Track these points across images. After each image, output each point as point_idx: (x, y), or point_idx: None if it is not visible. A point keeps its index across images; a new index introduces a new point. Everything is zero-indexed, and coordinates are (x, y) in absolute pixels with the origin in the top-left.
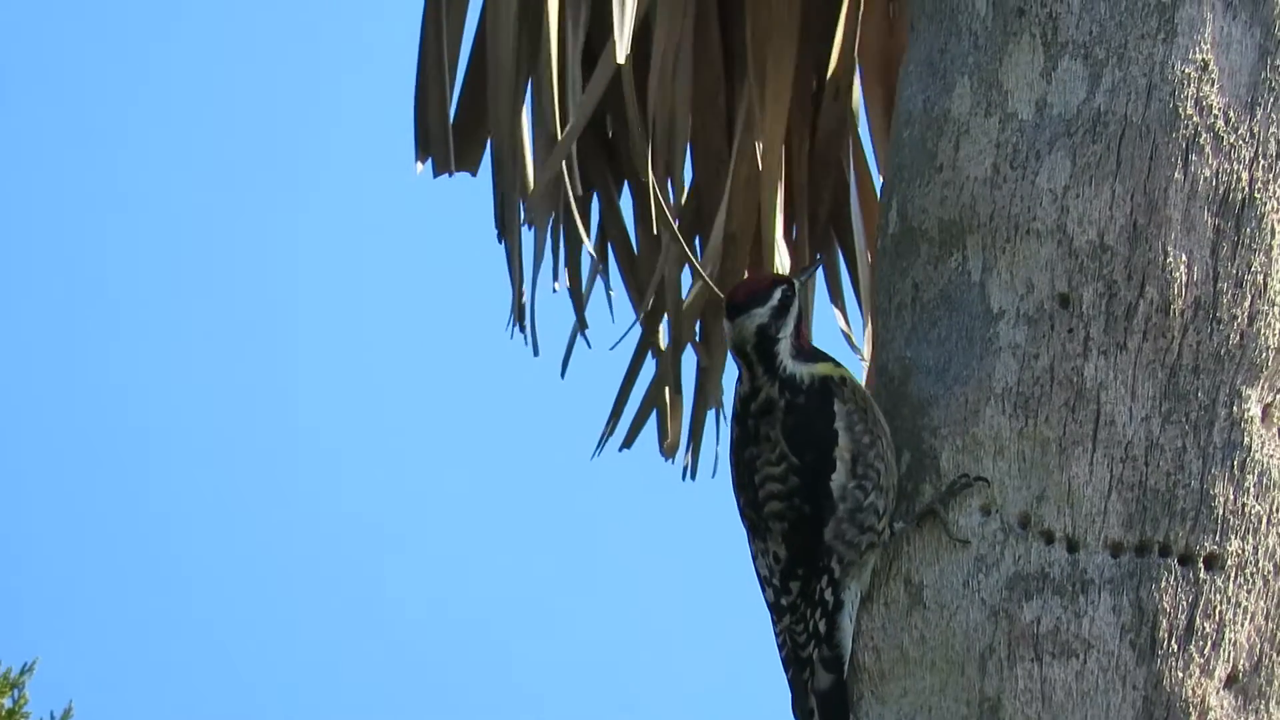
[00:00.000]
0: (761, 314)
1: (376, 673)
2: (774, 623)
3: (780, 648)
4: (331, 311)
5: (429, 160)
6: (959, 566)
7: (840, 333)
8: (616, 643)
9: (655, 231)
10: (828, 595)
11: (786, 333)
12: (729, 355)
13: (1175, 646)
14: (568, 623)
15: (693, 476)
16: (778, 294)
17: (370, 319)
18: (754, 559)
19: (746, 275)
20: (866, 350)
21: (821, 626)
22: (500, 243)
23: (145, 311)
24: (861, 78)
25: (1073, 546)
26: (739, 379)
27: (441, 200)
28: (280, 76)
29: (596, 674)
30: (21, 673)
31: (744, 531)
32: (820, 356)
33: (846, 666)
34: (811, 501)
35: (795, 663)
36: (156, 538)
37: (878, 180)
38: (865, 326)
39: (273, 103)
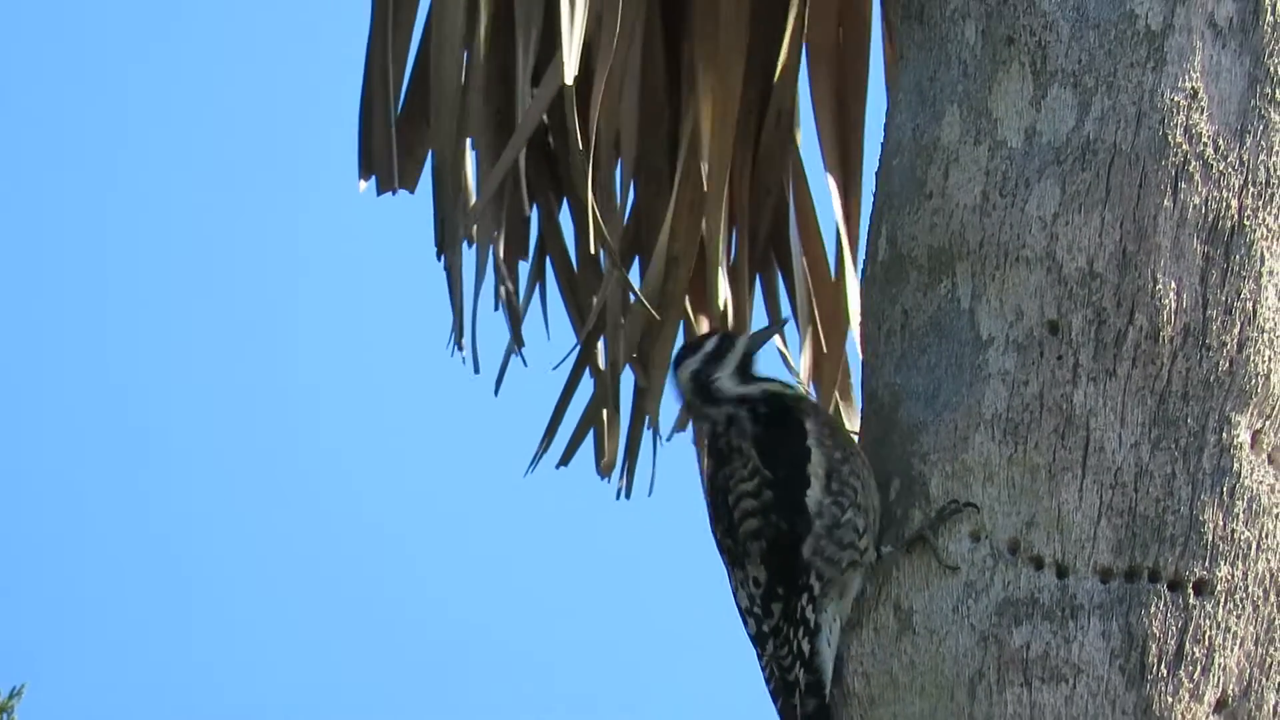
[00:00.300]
0: (693, 362)
1: (311, 689)
2: (759, 656)
3: (767, 680)
4: (275, 326)
5: (373, 178)
6: (949, 592)
7: (777, 352)
8: (551, 660)
9: (593, 251)
10: (809, 614)
11: (724, 373)
12: (665, 376)
13: (1165, 671)
14: (500, 638)
15: (628, 496)
16: (711, 343)
17: (315, 333)
18: (734, 594)
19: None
20: (803, 370)
21: (805, 646)
22: (439, 260)
23: (93, 329)
24: (813, 105)
25: (1062, 572)
26: (700, 429)
27: (387, 217)
28: (229, 93)
29: (527, 688)
30: (10, 697)
31: (722, 568)
32: (767, 381)
33: (828, 691)
34: (788, 517)
35: (783, 689)
36: (145, 563)
37: (818, 203)
38: (802, 347)
39: (221, 121)
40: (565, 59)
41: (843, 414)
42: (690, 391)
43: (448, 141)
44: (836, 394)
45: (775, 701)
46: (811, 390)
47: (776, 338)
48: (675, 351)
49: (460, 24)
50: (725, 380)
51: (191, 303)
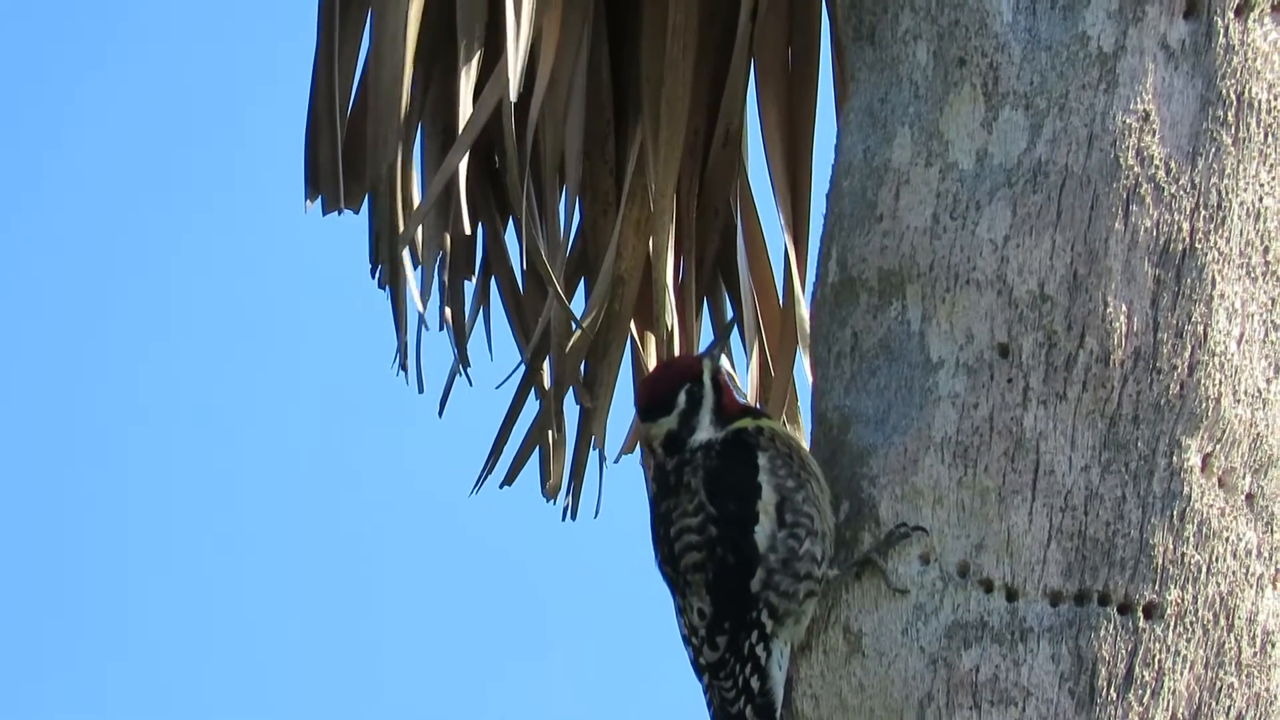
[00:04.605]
0: (669, 421)
1: (249, 705)
2: (700, 682)
3: (709, 705)
4: (218, 343)
5: (319, 198)
6: (898, 615)
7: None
8: (501, 680)
9: (527, 269)
10: (759, 651)
11: (701, 424)
12: (611, 397)
13: (1114, 695)
14: (446, 658)
15: (573, 517)
16: (682, 398)
17: (258, 351)
18: (676, 617)
19: (657, 367)
20: (751, 393)
21: (754, 683)
22: (374, 278)
23: (31, 342)
24: (761, 126)
25: (1012, 595)
26: (649, 451)
27: (335, 236)
28: (177, 111)
29: (472, 706)
30: None
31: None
32: (743, 414)
33: (778, 715)
34: (735, 552)
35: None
36: (84, 584)
37: (765, 225)
38: (749, 369)
39: (171, 138)
40: (510, 74)
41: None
42: (662, 444)
43: (384, 159)
44: (784, 417)
45: None
46: None
47: (725, 359)
48: (643, 400)
49: (400, 42)
50: (699, 432)
51: (141, 319)
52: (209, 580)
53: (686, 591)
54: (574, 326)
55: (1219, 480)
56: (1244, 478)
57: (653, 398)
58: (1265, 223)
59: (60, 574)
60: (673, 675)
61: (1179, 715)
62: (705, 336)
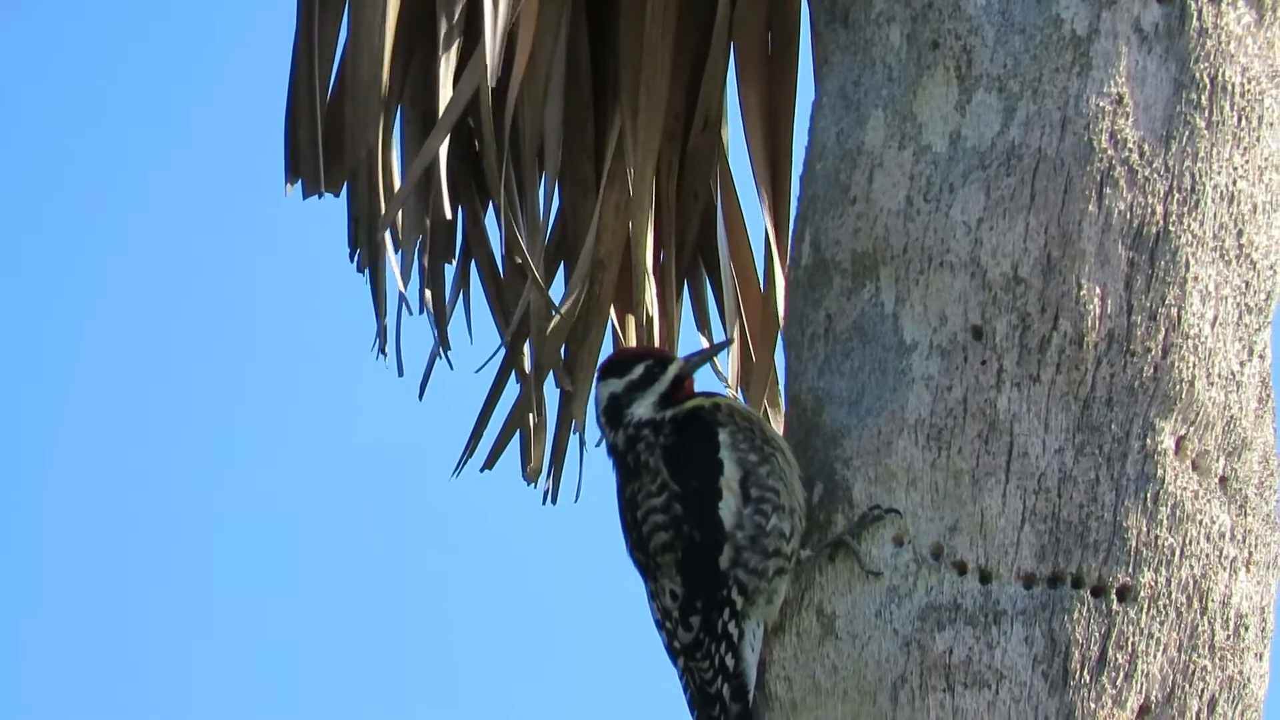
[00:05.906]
0: (616, 384)
1: (239, 694)
2: (675, 666)
3: (685, 690)
4: (199, 327)
5: (299, 182)
6: (871, 597)
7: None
8: (483, 663)
9: (507, 253)
10: (731, 629)
11: (643, 403)
12: (592, 381)
13: (1087, 677)
14: (425, 640)
15: (554, 501)
16: (640, 369)
17: (239, 335)
18: (649, 602)
19: (631, 347)
20: (731, 376)
21: (729, 661)
22: (352, 261)
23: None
24: (742, 111)
25: (985, 577)
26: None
27: (316, 219)
28: (160, 96)
29: (455, 694)
30: None
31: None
32: (697, 397)
33: (750, 696)
34: (700, 528)
35: (704, 702)
36: (51, 573)
37: (746, 209)
38: (729, 355)
39: (151, 124)
40: (488, 58)
41: (771, 422)
42: (603, 411)
43: (364, 143)
44: (765, 402)
45: (694, 712)
46: (740, 397)
47: (704, 342)
48: (604, 361)
49: (379, 26)
50: (639, 409)
51: (120, 303)
52: (185, 566)
53: (658, 574)
54: (553, 311)
55: (1192, 463)
56: (1217, 460)
57: (615, 358)
58: (1239, 206)
59: (42, 570)
60: (656, 659)
61: (1152, 697)
62: (686, 321)
